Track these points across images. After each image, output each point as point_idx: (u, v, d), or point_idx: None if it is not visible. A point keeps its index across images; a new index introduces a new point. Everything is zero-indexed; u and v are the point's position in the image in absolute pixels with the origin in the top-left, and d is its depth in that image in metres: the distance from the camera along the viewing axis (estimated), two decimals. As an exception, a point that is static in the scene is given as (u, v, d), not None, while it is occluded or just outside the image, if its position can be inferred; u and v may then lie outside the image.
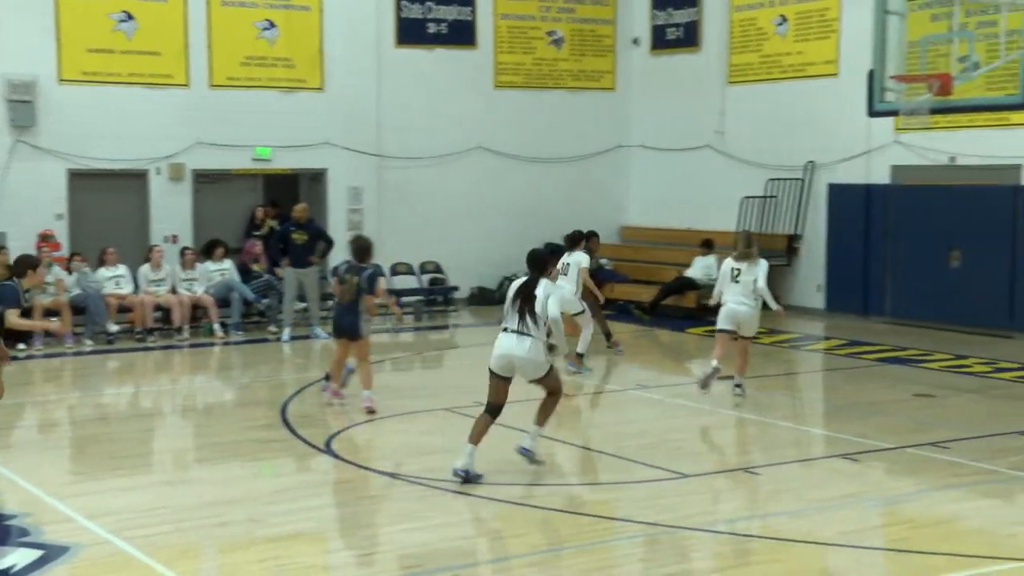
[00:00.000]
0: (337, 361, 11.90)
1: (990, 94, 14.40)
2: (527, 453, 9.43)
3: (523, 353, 9.00)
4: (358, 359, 11.75)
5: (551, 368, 9.24)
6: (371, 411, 11.40)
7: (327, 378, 12.13)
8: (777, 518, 8.22)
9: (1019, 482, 9.14)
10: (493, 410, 9.19)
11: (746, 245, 12.12)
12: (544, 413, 9.43)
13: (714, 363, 11.92)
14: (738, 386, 12.09)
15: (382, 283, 12.01)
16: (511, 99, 20.65)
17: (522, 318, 9.02)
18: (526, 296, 9.08)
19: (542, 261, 9.38)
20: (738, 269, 11.96)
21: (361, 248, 11.97)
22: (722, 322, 12.07)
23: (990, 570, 7.17)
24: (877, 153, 17.58)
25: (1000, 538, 7.87)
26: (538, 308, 9.00)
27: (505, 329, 9.17)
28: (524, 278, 9.37)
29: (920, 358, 14.45)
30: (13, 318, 10.28)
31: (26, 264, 11.12)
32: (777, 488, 8.96)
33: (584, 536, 7.84)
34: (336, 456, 9.97)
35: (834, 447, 10.31)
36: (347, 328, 11.60)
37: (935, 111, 13.47)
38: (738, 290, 11.94)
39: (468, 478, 8.89)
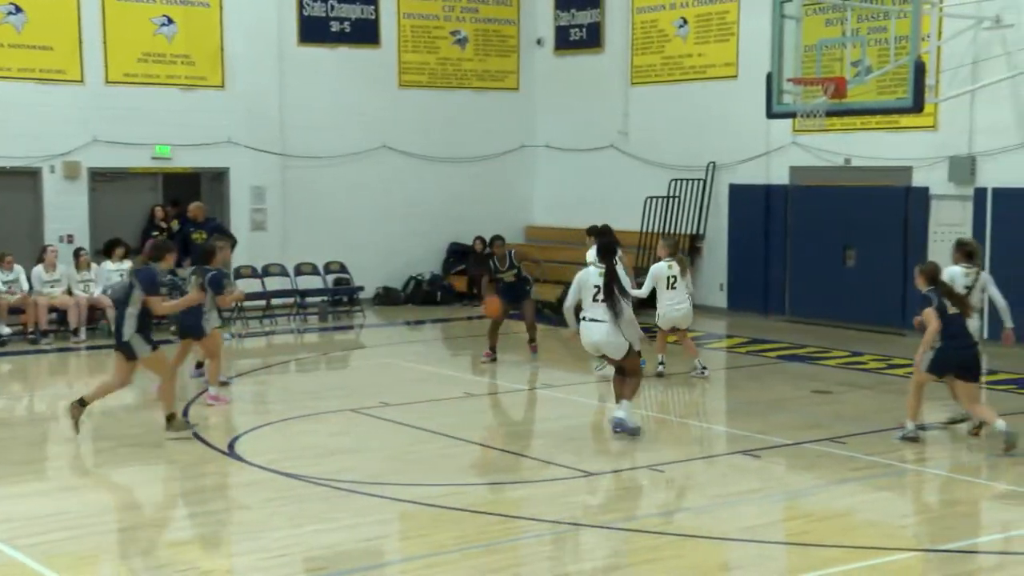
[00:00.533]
0: (179, 356, 11.94)
1: (882, 97, 14.78)
2: (622, 424, 10.30)
3: (610, 338, 10.14)
4: (207, 356, 11.83)
5: (630, 348, 10.22)
6: (217, 401, 11.65)
7: (199, 365, 12.56)
8: (681, 514, 8.33)
9: (911, 475, 9.41)
10: (619, 369, 10.43)
11: (675, 250, 13.22)
12: (631, 388, 10.42)
13: (660, 358, 13.14)
14: (704, 368, 13.18)
15: (227, 285, 12.18)
16: (416, 99, 20.60)
17: (610, 306, 10.03)
18: (612, 286, 10.03)
19: (614, 249, 10.30)
20: (674, 276, 12.88)
21: (205, 251, 12.40)
22: (665, 325, 13.11)
23: (884, 560, 7.37)
24: (776, 154, 17.93)
25: (893, 529, 8.10)
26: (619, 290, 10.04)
27: (591, 319, 10.18)
28: (599, 269, 10.17)
29: (818, 355, 14.78)
30: None
31: None
32: (681, 485, 9.09)
33: (490, 535, 7.86)
34: (240, 459, 9.83)
35: (736, 444, 10.49)
36: (189, 328, 11.78)
37: (831, 113, 13.79)
38: (675, 295, 12.90)
39: (627, 430, 10.07)
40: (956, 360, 9.93)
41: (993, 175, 15.36)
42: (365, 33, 20.08)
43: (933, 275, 10.10)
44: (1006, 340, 10.55)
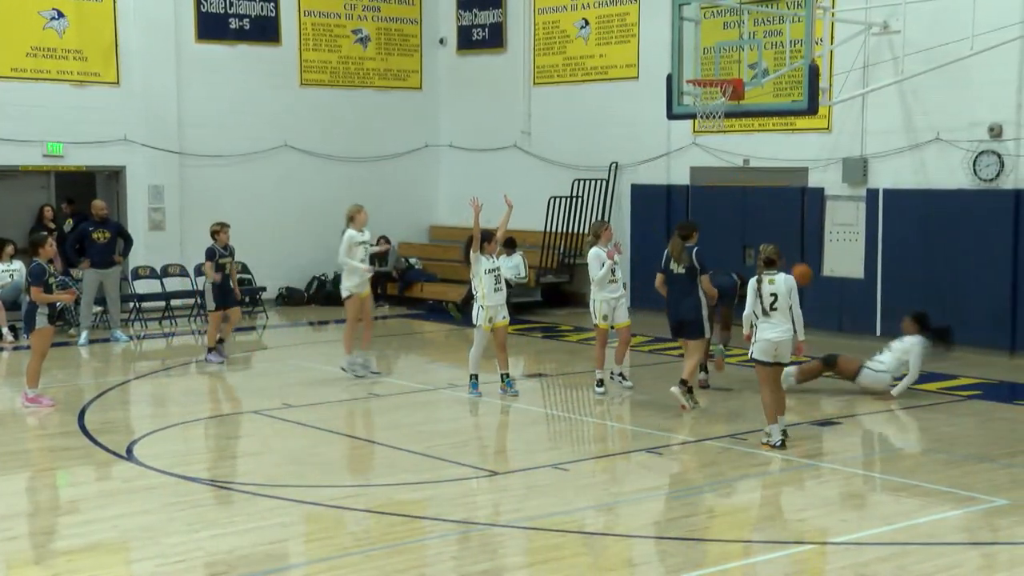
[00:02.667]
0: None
1: (778, 100, 15.08)
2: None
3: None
4: (32, 353, 11.72)
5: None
6: (35, 404, 11.52)
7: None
8: (584, 512, 8.40)
9: (808, 469, 9.62)
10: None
11: (592, 235, 12.70)
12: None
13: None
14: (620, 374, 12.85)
15: (49, 280, 11.85)
16: (318, 97, 20.43)
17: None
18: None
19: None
20: (614, 268, 12.50)
21: (32, 243, 12.18)
22: (606, 320, 12.74)
23: (783, 554, 7.52)
24: (676, 155, 18.18)
25: (791, 523, 8.28)
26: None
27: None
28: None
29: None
30: None
31: None
32: (585, 483, 9.16)
33: (394, 536, 7.83)
34: (138, 463, 9.64)
35: (639, 442, 10.61)
36: (25, 324, 11.82)
37: (729, 115, 14.02)
38: (615, 287, 12.56)
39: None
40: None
41: (884, 176, 15.78)
42: (265, 30, 19.84)
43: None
44: (798, 352, 10.32)
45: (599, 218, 17.97)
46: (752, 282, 10.18)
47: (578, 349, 15.71)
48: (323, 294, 20.11)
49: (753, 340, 10.14)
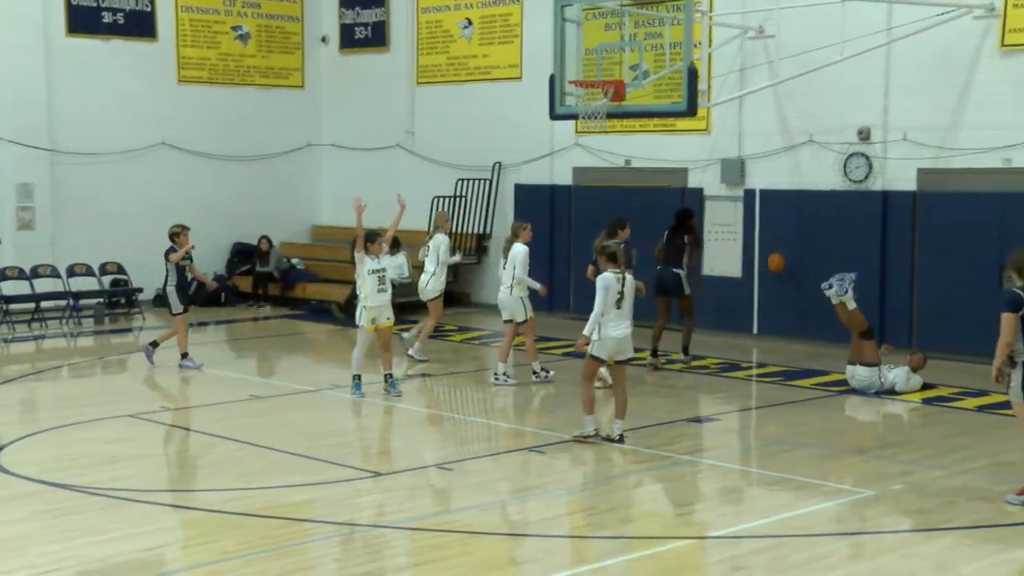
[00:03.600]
0: None
1: (659, 101, 15.30)
2: None
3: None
4: None
5: None
6: None
7: None
8: (468, 512, 8.41)
9: (688, 466, 9.79)
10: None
11: (512, 233, 13.10)
12: None
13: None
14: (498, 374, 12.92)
15: None
16: (196, 95, 20.05)
17: None
18: None
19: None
20: (504, 260, 12.81)
21: None
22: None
23: (664, 549, 7.64)
24: (559, 155, 18.33)
25: (672, 518, 8.43)
26: None
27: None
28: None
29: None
30: None
31: None
32: (469, 483, 9.18)
33: (277, 539, 7.73)
34: (5, 470, 9.33)
35: (523, 440, 10.67)
36: None
37: (611, 116, 14.18)
38: (502, 277, 12.85)
39: None
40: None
41: (761, 177, 16.16)
42: (140, 25, 19.38)
43: None
44: (579, 347, 10.44)
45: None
46: (613, 281, 10.27)
47: (462, 349, 15.72)
48: (203, 296, 19.73)
49: (597, 338, 10.15)
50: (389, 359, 12.26)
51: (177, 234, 14.11)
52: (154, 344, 14.07)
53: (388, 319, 12.16)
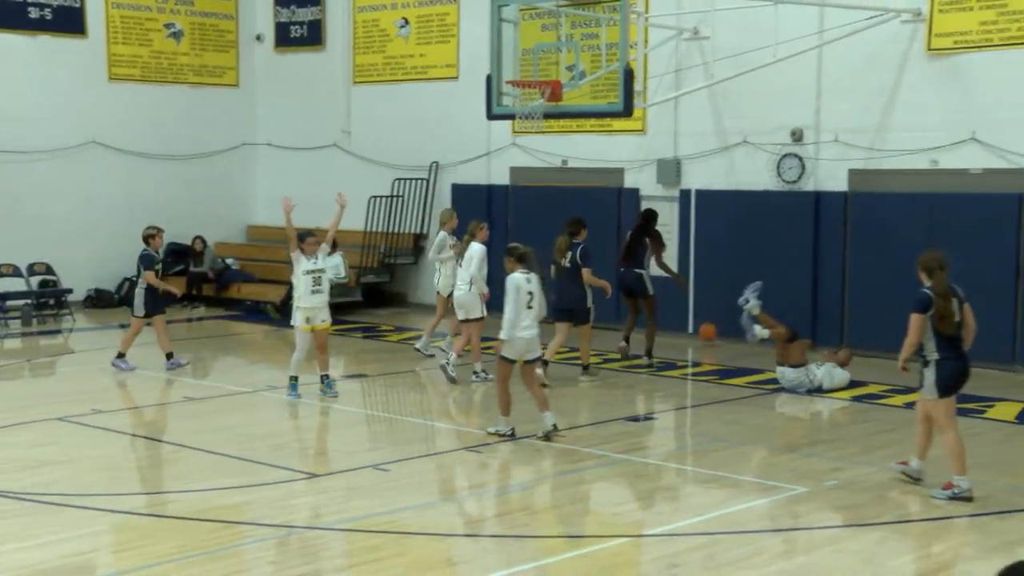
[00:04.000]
0: None
1: (595, 102, 15.39)
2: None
3: None
4: None
5: None
6: None
7: None
8: (404, 512, 8.39)
9: (624, 464, 9.86)
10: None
11: (469, 233, 13.17)
12: None
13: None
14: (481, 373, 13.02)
15: None
16: (128, 93, 19.79)
17: None
18: None
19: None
20: (460, 257, 12.93)
21: None
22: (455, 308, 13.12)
23: (601, 547, 7.69)
24: (497, 155, 18.35)
25: (609, 517, 8.47)
26: None
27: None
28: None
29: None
30: None
31: None
32: (405, 483, 9.15)
33: (211, 542, 7.65)
34: (-68, 476, 9.14)
35: (460, 440, 10.67)
36: None
37: (548, 116, 14.22)
38: (459, 275, 12.92)
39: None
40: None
41: (696, 177, 16.31)
42: (69, 21, 19.07)
43: None
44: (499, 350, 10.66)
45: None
46: (523, 281, 10.29)
47: (399, 349, 15.69)
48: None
49: (507, 339, 10.21)
50: (325, 360, 12.18)
51: (152, 236, 13.89)
52: (120, 356, 13.75)
53: (324, 321, 12.08)
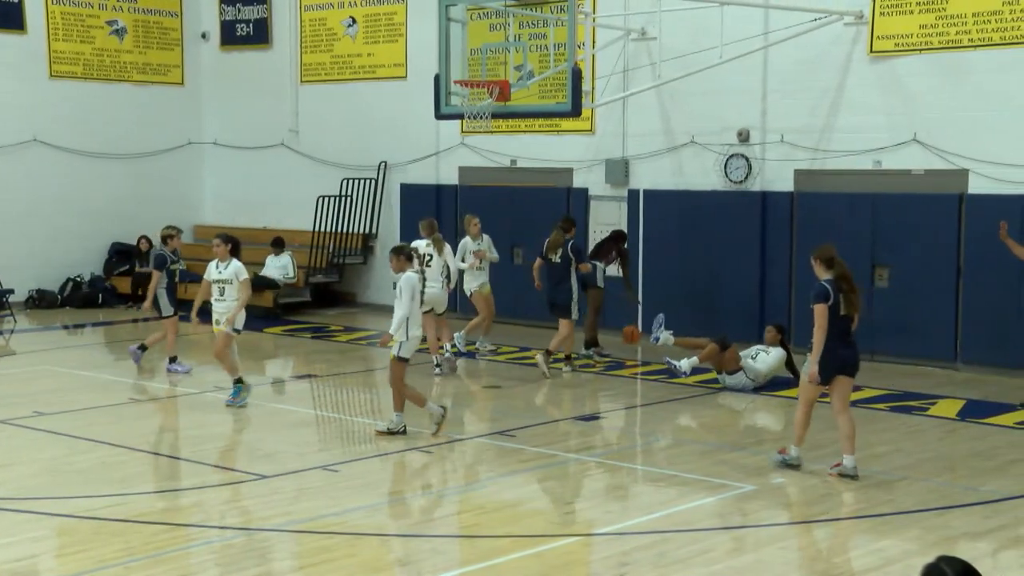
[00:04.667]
0: None
1: (543, 102, 15.41)
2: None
3: None
4: None
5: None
6: None
7: None
8: (354, 513, 8.35)
9: (575, 464, 9.88)
10: None
11: (430, 231, 13.55)
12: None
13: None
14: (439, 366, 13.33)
15: None
16: (70, 90, 19.51)
17: None
18: None
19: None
20: (429, 255, 13.24)
21: None
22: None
23: (551, 546, 7.70)
24: (445, 154, 18.31)
25: (558, 516, 8.49)
26: None
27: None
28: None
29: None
30: None
31: None
32: (355, 484, 9.11)
33: (157, 545, 7.56)
34: None
35: (410, 441, 10.62)
36: None
37: (496, 116, 14.23)
38: (429, 274, 13.07)
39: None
40: None
41: (644, 177, 16.38)
42: (7, 17, 18.77)
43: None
44: (383, 343, 10.88)
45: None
46: (416, 280, 10.36)
47: (348, 349, 15.61)
48: (79, 296, 19.23)
49: (405, 339, 10.26)
50: (226, 367, 12.03)
51: (171, 236, 13.70)
52: (142, 347, 13.66)
53: (218, 324, 12.02)
